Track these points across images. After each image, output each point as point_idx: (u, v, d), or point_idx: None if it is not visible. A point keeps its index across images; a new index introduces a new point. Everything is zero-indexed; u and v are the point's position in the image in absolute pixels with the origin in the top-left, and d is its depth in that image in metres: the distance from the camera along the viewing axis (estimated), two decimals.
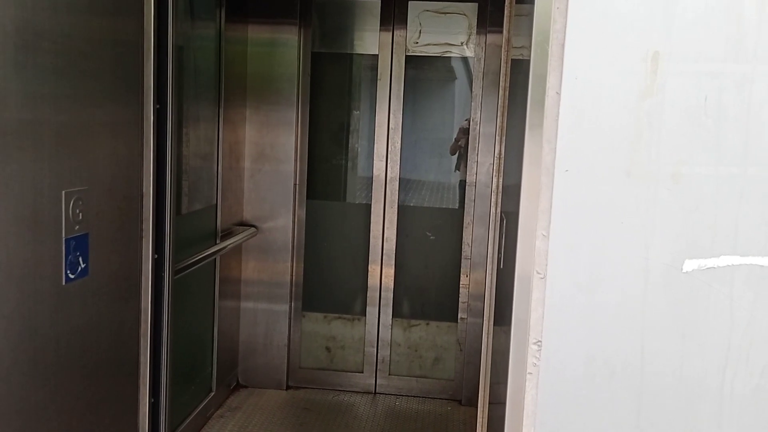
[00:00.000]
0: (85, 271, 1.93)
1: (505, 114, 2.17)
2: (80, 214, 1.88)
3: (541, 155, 1.45)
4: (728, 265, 1.42)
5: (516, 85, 1.91)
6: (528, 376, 1.50)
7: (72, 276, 1.87)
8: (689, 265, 1.43)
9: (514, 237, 1.59)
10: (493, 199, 2.22)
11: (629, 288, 1.45)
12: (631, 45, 1.39)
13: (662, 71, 1.38)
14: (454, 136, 4.00)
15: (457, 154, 4.03)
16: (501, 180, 2.16)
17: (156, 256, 2.29)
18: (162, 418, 2.41)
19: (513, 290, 1.56)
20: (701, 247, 1.42)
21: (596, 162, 1.42)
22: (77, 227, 1.88)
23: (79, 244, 1.89)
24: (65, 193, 1.82)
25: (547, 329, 1.48)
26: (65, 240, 1.83)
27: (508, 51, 2.13)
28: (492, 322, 2.22)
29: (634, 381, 1.49)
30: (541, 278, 1.47)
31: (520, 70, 1.82)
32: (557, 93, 1.42)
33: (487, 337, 2.27)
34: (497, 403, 1.85)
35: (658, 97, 1.39)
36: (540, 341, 1.49)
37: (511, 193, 1.80)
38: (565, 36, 1.39)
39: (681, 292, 1.44)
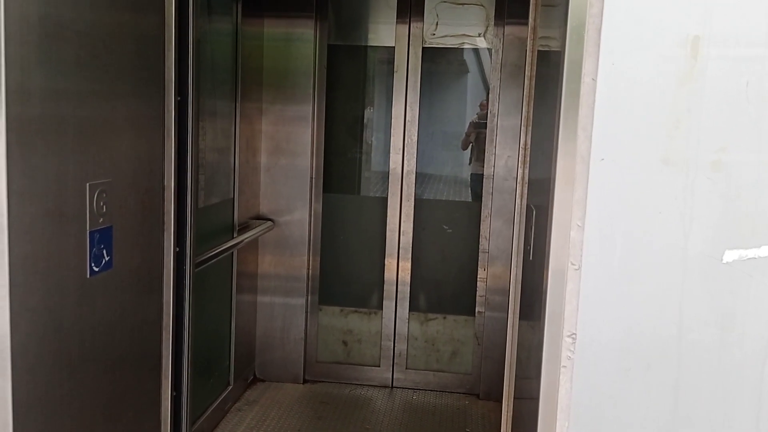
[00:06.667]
0: (109, 264, 1.92)
1: (531, 104, 2.13)
2: (104, 207, 1.87)
3: (576, 144, 1.42)
4: None
5: (544, 74, 1.88)
6: (562, 369, 1.47)
7: (96, 269, 1.86)
8: (729, 255, 1.39)
9: (545, 228, 1.56)
10: (518, 191, 2.19)
11: (667, 279, 1.42)
12: (670, 29, 1.35)
13: (702, 56, 1.35)
14: (465, 130, 3.97)
15: (469, 148, 4.00)
16: (527, 171, 2.13)
17: (177, 249, 2.28)
18: (184, 411, 2.40)
19: (544, 282, 1.53)
20: (742, 236, 1.39)
21: (633, 150, 1.39)
22: (101, 220, 1.86)
23: (103, 237, 1.88)
24: (89, 185, 1.81)
25: (581, 321, 1.45)
26: (89, 233, 1.82)
27: (534, 40, 2.10)
28: (517, 316, 2.19)
29: (670, 374, 1.46)
30: (576, 269, 1.45)
31: (549, 59, 1.79)
32: (593, 79, 1.38)
33: (512, 331, 2.25)
34: (526, 398, 1.82)
35: (698, 83, 1.36)
36: (575, 334, 1.46)
37: (540, 184, 1.77)
38: (602, 21, 1.36)
39: (720, 282, 1.41)
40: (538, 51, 2.08)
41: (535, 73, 2.11)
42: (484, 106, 3.89)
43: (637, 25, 1.36)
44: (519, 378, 2.09)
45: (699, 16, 1.34)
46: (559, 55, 1.51)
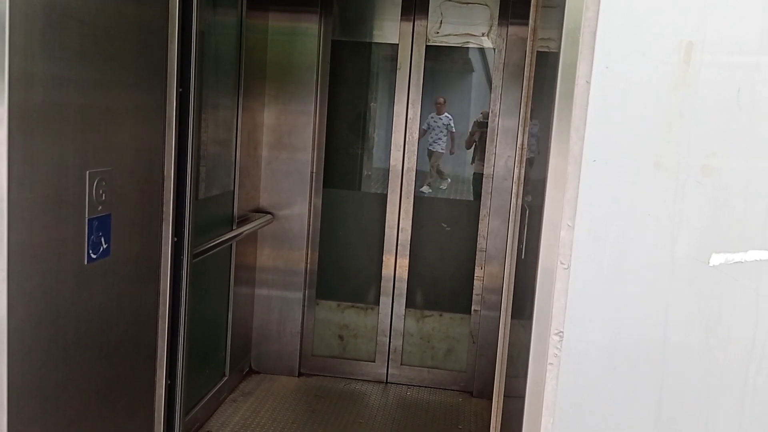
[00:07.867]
0: (107, 251, 1.94)
1: (530, 105, 2.15)
2: (103, 195, 1.89)
3: (568, 145, 1.43)
4: (756, 260, 1.40)
5: (542, 75, 1.90)
6: (548, 367, 1.49)
7: (94, 256, 1.89)
8: (716, 259, 1.41)
9: (537, 227, 1.58)
10: (514, 190, 2.20)
11: (654, 280, 1.44)
12: (664, 34, 1.37)
13: (695, 62, 1.37)
14: (469, 129, 3.99)
15: (473, 148, 4.02)
16: (523, 171, 2.15)
17: (176, 239, 2.30)
18: (178, 400, 2.42)
19: (535, 281, 1.55)
20: (729, 241, 1.41)
21: (625, 152, 1.41)
22: (100, 208, 1.89)
23: (101, 225, 1.90)
24: (89, 173, 1.83)
25: (569, 320, 1.47)
26: (88, 220, 1.84)
27: (534, 41, 2.11)
28: (509, 314, 2.21)
29: (655, 373, 1.48)
30: (565, 268, 1.46)
31: (547, 60, 1.81)
32: (587, 82, 1.40)
33: (504, 330, 2.27)
34: (514, 396, 1.84)
35: (691, 88, 1.37)
36: (562, 332, 1.48)
37: (534, 184, 1.79)
38: (597, 24, 1.37)
39: (707, 285, 1.43)
40: (538, 52, 2.10)
41: (534, 74, 2.12)
42: (440, 105, 3.93)
43: (631, 30, 1.37)
44: (509, 376, 2.11)
45: (693, 23, 1.36)
46: (556, 56, 1.52)
